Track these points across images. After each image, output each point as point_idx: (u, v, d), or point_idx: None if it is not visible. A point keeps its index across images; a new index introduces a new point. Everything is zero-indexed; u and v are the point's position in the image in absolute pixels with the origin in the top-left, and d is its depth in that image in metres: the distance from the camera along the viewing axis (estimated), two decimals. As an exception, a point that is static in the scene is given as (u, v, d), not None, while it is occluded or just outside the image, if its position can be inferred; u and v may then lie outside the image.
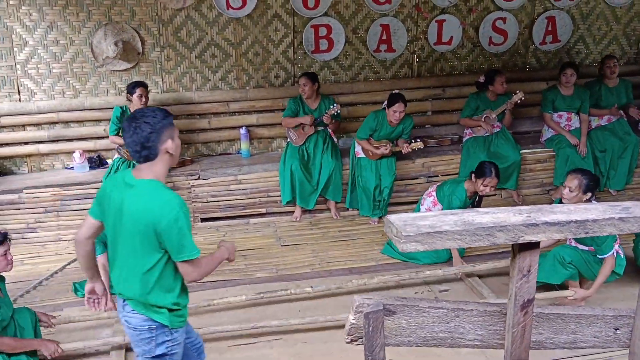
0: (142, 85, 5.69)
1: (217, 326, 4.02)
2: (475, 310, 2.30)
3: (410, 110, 6.27)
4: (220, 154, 6.61)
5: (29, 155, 6.25)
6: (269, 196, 6.08)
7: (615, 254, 4.32)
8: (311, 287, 4.49)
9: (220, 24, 6.26)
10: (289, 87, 6.53)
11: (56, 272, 5.12)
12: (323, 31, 6.43)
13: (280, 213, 6.11)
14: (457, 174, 6.14)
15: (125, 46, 6.01)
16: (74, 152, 6.14)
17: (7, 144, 6.14)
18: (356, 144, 5.99)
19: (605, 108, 6.29)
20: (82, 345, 3.91)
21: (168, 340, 2.75)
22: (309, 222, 6.00)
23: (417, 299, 2.32)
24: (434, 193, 5.22)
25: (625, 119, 6.42)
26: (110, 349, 3.95)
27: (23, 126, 6.16)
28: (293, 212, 6.07)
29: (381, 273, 4.95)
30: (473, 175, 4.91)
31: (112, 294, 4.35)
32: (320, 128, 6.02)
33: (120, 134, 5.69)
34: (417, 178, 6.24)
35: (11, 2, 5.79)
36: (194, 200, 5.95)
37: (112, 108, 6.06)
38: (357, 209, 6.08)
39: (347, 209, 6.14)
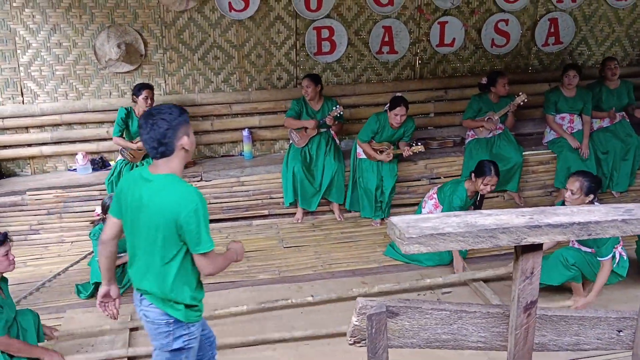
0: (148, 87, 5.70)
1: (220, 338, 4.00)
2: (478, 312, 2.30)
3: (413, 112, 6.27)
4: (222, 156, 6.62)
5: (32, 157, 6.26)
6: (271, 198, 6.09)
7: (617, 256, 4.32)
8: (312, 296, 4.47)
9: (222, 26, 6.27)
10: (292, 89, 6.54)
11: (59, 274, 5.12)
12: (325, 33, 6.43)
13: (283, 215, 6.11)
14: (459, 175, 6.13)
15: (128, 48, 6.03)
16: (76, 154, 6.16)
17: (10, 146, 6.16)
18: (357, 145, 6.00)
19: (606, 110, 6.28)
20: (85, 358, 3.88)
21: (185, 334, 2.79)
22: (311, 224, 6.01)
23: (420, 301, 2.32)
24: (435, 195, 5.22)
25: (628, 120, 6.41)
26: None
27: (26, 128, 6.18)
28: (295, 213, 6.07)
29: (383, 275, 4.95)
30: (473, 174, 4.91)
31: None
32: (322, 130, 6.02)
33: (124, 135, 5.70)
34: (419, 180, 6.24)
35: (14, 4, 5.81)
36: (196, 202, 5.95)
37: (115, 110, 6.07)
38: (358, 212, 6.08)
39: (349, 211, 6.14)
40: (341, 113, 5.99)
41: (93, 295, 4.67)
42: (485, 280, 4.73)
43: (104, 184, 5.75)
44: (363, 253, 5.37)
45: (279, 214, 6.11)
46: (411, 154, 5.73)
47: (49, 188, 5.82)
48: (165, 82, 6.30)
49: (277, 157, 6.44)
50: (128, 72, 6.20)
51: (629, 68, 7.18)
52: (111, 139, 5.99)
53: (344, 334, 3.69)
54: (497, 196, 6.33)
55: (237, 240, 3.04)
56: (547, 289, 4.31)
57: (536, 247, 2.13)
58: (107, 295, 3.05)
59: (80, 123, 6.25)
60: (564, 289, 4.47)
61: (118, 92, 6.25)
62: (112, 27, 6.01)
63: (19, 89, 6.08)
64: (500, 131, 6.19)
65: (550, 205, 4.32)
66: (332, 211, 6.13)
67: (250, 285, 4.85)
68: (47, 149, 6.21)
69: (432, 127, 6.89)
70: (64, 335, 4.05)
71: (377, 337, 2.23)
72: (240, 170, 6.12)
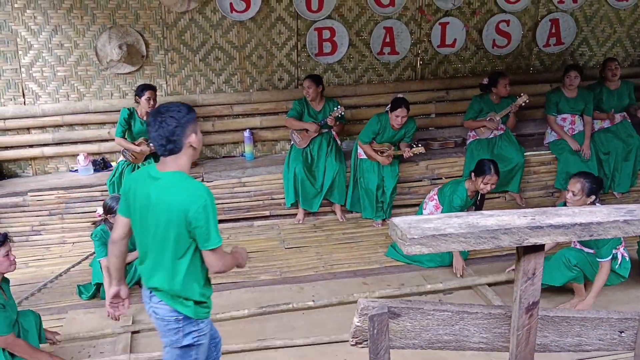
0: (151, 88, 5.70)
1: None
2: (480, 313, 2.30)
3: (414, 113, 6.27)
4: (224, 157, 6.63)
5: (34, 158, 6.27)
6: (272, 199, 6.09)
7: (619, 257, 4.32)
8: (313, 301, 4.46)
9: (224, 27, 6.27)
10: (293, 89, 6.54)
11: (60, 275, 5.13)
12: (326, 34, 6.44)
13: (284, 215, 6.11)
14: (460, 176, 6.13)
15: (130, 49, 6.03)
16: (78, 154, 6.17)
17: (12, 147, 6.17)
18: (358, 146, 6.00)
19: (607, 111, 6.28)
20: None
21: (195, 331, 2.81)
22: (312, 225, 6.01)
23: (421, 302, 2.33)
24: (435, 197, 5.21)
25: (629, 121, 6.41)
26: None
27: (28, 129, 6.18)
28: (296, 214, 6.07)
29: (384, 275, 4.95)
30: (473, 174, 4.90)
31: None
32: (324, 130, 6.02)
33: (126, 136, 5.70)
34: (420, 180, 6.23)
35: (16, 5, 5.82)
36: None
37: (116, 111, 6.08)
38: (359, 212, 6.08)
39: (351, 212, 6.14)
40: (342, 114, 6.00)
41: (94, 296, 4.69)
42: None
43: (105, 184, 5.76)
44: (364, 254, 5.37)
45: (280, 215, 6.11)
46: (412, 155, 5.73)
47: (51, 189, 5.83)
48: (166, 83, 6.31)
49: (278, 158, 6.44)
50: (129, 73, 6.20)
51: (631, 69, 7.18)
52: (113, 139, 6.00)
53: (346, 336, 3.70)
54: (499, 197, 6.32)
55: (241, 247, 3.04)
56: (549, 290, 4.31)
57: (538, 248, 2.13)
58: (117, 295, 3.06)
59: (82, 124, 6.26)
60: (565, 290, 4.47)
61: (119, 93, 6.26)
62: (113, 28, 6.02)
63: (21, 90, 6.08)
64: (502, 132, 6.19)
65: (552, 206, 4.32)
66: (333, 212, 6.13)
67: (251, 286, 4.85)
68: (48, 150, 6.22)
69: (433, 128, 6.89)
70: (66, 336, 4.04)
71: (379, 338, 2.23)
72: (242, 171, 6.12)
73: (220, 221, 5.93)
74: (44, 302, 4.70)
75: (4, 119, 6.06)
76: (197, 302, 2.77)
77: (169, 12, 6.12)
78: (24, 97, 6.10)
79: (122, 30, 6.04)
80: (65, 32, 5.98)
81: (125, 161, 5.73)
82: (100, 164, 6.25)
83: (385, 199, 5.90)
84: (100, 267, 4.42)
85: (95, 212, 5.59)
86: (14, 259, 3.59)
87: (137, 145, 5.69)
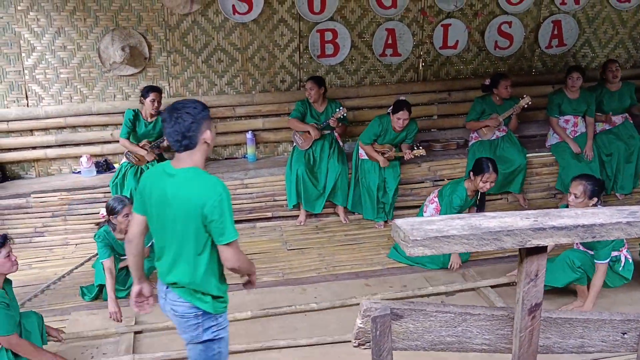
0: (156, 90, 5.71)
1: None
2: (482, 315, 2.30)
3: (416, 114, 6.27)
4: (226, 158, 6.64)
5: (37, 160, 6.28)
6: (275, 200, 6.09)
7: (623, 259, 4.32)
8: (315, 303, 4.46)
9: (226, 28, 6.29)
10: (295, 91, 6.55)
11: (63, 276, 5.13)
12: (329, 36, 6.45)
13: (287, 217, 6.11)
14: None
15: (132, 51, 6.05)
16: (81, 156, 6.18)
17: (15, 149, 6.19)
18: (360, 147, 6.01)
19: (608, 112, 6.27)
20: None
21: (214, 325, 2.85)
22: (315, 226, 6.01)
23: (424, 303, 2.32)
24: (436, 199, 5.21)
25: (631, 122, 6.40)
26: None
27: (31, 131, 6.20)
28: (298, 216, 6.08)
29: (387, 277, 4.95)
30: (471, 173, 4.90)
31: (118, 297, 4.42)
32: (326, 132, 6.03)
33: (130, 137, 5.71)
34: (423, 182, 6.24)
35: (19, 8, 5.84)
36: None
37: (119, 113, 6.12)
38: (361, 213, 6.08)
39: (354, 213, 6.14)
40: (345, 115, 6.01)
41: (97, 297, 4.69)
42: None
43: (108, 186, 5.77)
44: (367, 255, 5.37)
45: (283, 217, 6.12)
46: (412, 157, 5.74)
47: (54, 190, 5.84)
48: (169, 84, 6.32)
49: (280, 160, 6.46)
50: (132, 75, 6.22)
51: (633, 70, 7.17)
52: (116, 141, 6.03)
53: (348, 337, 3.70)
54: (500, 198, 6.32)
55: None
56: (551, 291, 4.31)
57: (540, 250, 2.13)
58: (140, 294, 3.06)
59: (85, 126, 6.27)
60: (567, 291, 4.47)
61: (122, 95, 6.27)
62: (116, 30, 6.04)
63: (24, 92, 6.10)
64: (504, 133, 6.19)
65: (555, 208, 4.32)
66: (335, 214, 6.13)
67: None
68: (51, 152, 6.23)
69: (435, 130, 6.89)
70: (69, 337, 4.05)
71: (382, 339, 2.23)
72: (244, 173, 6.13)
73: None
74: (47, 303, 4.71)
75: (7, 121, 6.08)
76: (214, 297, 2.81)
77: (171, 14, 6.13)
78: (27, 99, 6.12)
79: (125, 32, 6.05)
80: (68, 34, 6.00)
81: (128, 163, 5.74)
82: (103, 166, 6.27)
83: (388, 200, 5.90)
84: (103, 269, 4.43)
85: (98, 213, 5.62)
86: (15, 260, 3.60)
87: (141, 147, 5.70)
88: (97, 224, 5.47)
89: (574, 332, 2.36)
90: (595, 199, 4.22)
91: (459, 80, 6.90)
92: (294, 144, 6.13)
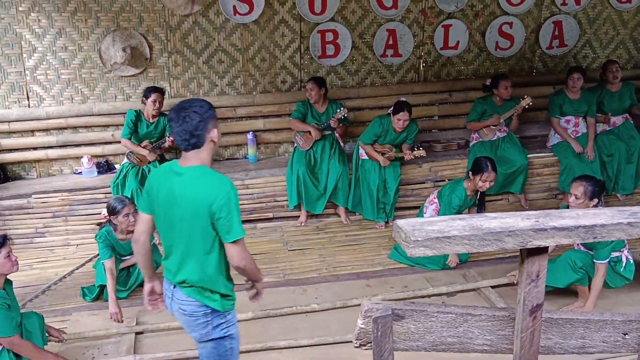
0: (158, 91, 5.72)
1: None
2: (483, 315, 2.30)
3: (417, 115, 6.28)
4: (227, 159, 6.64)
5: (38, 161, 6.29)
6: (275, 201, 6.09)
7: (624, 260, 4.32)
8: (316, 304, 4.46)
9: (227, 29, 6.29)
10: (296, 92, 6.55)
11: (64, 277, 5.14)
12: (330, 36, 6.45)
13: (287, 218, 6.12)
14: (462, 178, 6.15)
15: (133, 52, 6.05)
16: (82, 157, 6.19)
17: (16, 149, 6.19)
18: (360, 147, 6.01)
19: (608, 113, 6.27)
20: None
21: (223, 323, 2.87)
22: (315, 227, 6.01)
23: (425, 304, 2.33)
24: (435, 200, 5.21)
25: (632, 122, 6.40)
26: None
27: (32, 132, 6.21)
28: (299, 216, 6.08)
29: (388, 278, 4.95)
30: (470, 172, 4.90)
31: (118, 298, 4.43)
32: (327, 132, 6.03)
33: (132, 138, 5.72)
34: (423, 182, 6.24)
35: (20, 9, 5.84)
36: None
37: (120, 113, 6.13)
38: (361, 213, 6.09)
39: (355, 213, 6.14)
40: (345, 115, 6.01)
41: (98, 298, 4.69)
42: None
43: (109, 187, 5.77)
44: (368, 256, 5.37)
45: (284, 217, 6.12)
46: (412, 158, 5.74)
47: (55, 191, 5.85)
48: (170, 85, 6.32)
49: (281, 160, 6.46)
50: (133, 75, 6.22)
51: (634, 70, 7.17)
52: (117, 142, 6.04)
53: (349, 337, 3.70)
54: (501, 199, 6.32)
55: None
56: (552, 292, 4.31)
57: (542, 250, 2.13)
58: (152, 292, 3.08)
59: (86, 126, 6.27)
60: (569, 292, 4.46)
61: (123, 95, 6.28)
62: (117, 30, 6.04)
63: (25, 93, 6.11)
64: (505, 134, 6.19)
65: (555, 209, 4.31)
66: (336, 214, 6.13)
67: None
68: (52, 153, 6.24)
69: (436, 130, 6.89)
70: (70, 338, 4.05)
71: (383, 340, 2.23)
72: (245, 173, 6.13)
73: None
74: (48, 304, 4.72)
75: (9, 122, 6.09)
76: (223, 295, 2.84)
77: (172, 15, 6.14)
78: (28, 100, 6.13)
79: (126, 33, 6.06)
80: (70, 35, 6.00)
81: (130, 164, 5.74)
82: (104, 166, 6.27)
83: (388, 200, 5.90)
84: (104, 269, 4.43)
85: (99, 214, 5.64)
86: (15, 260, 3.60)
87: (142, 147, 5.71)
88: (99, 224, 5.47)
89: (575, 333, 2.36)
90: (596, 200, 4.22)
91: (459, 80, 6.90)
92: (295, 144, 6.13)
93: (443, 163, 6.30)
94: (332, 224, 6.06)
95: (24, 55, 5.99)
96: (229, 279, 2.88)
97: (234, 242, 2.70)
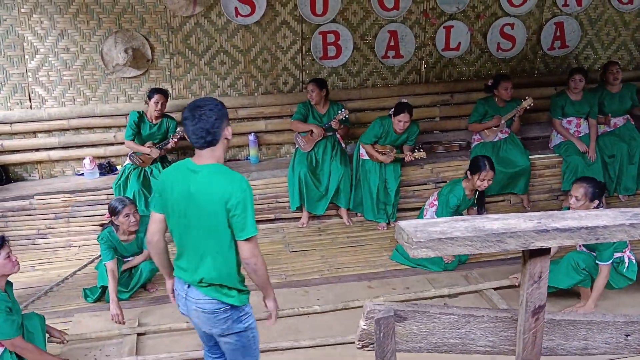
0: (161, 92, 5.72)
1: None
2: (486, 317, 2.30)
3: (418, 116, 6.27)
4: (228, 160, 6.64)
5: (40, 162, 6.30)
6: (277, 202, 6.10)
7: (626, 260, 4.32)
8: (318, 306, 4.47)
9: (229, 31, 6.30)
10: (298, 93, 6.56)
11: (67, 278, 5.14)
12: (331, 38, 6.45)
13: (289, 219, 6.12)
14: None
15: (135, 53, 6.06)
16: (84, 158, 6.20)
17: (18, 151, 6.20)
18: (360, 147, 6.01)
19: (608, 114, 6.26)
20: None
21: (242, 315, 2.92)
22: (317, 228, 6.01)
23: (427, 305, 2.33)
24: (436, 202, 5.20)
25: (633, 123, 6.40)
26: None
27: (34, 133, 6.22)
28: (301, 218, 6.08)
29: (389, 279, 4.95)
30: (468, 172, 4.90)
31: (121, 299, 4.43)
32: (329, 134, 6.04)
33: (135, 139, 5.72)
34: (425, 184, 6.24)
35: (23, 10, 5.85)
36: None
37: (122, 115, 6.14)
38: (362, 214, 6.09)
39: (357, 214, 6.15)
40: (347, 116, 6.00)
41: (100, 298, 4.70)
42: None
43: (111, 188, 5.78)
44: (369, 257, 5.37)
45: (285, 218, 6.12)
46: (413, 159, 5.74)
47: (57, 192, 5.85)
48: (172, 86, 6.33)
49: (283, 162, 6.46)
50: (135, 77, 6.23)
51: (635, 72, 7.17)
52: (119, 143, 6.06)
53: (351, 339, 3.70)
54: (503, 200, 6.32)
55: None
56: (554, 293, 4.30)
57: (544, 252, 2.13)
58: (175, 289, 3.10)
59: (88, 128, 6.28)
60: (571, 293, 4.47)
61: (125, 97, 6.28)
62: (119, 32, 6.05)
63: (27, 94, 6.12)
64: (506, 135, 6.19)
65: (558, 209, 4.31)
66: (338, 215, 6.13)
67: (256, 289, 4.84)
68: (54, 154, 6.24)
69: (438, 131, 6.90)
70: (72, 339, 4.06)
71: (385, 341, 2.23)
72: (247, 175, 6.13)
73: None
74: (50, 305, 4.72)
75: (11, 123, 6.10)
76: (240, 291, 2.88)
77: (174, 17, 6.15)
78: (30, 101, 6.14)
79: (128, 35, 6.07)
80: (72, 37, 6.02)
81: (132, 165, 5.75)
82: (106, 168, 6.28)
83: (389, 201, 5.90)
84: (106, 271, 4.43)
85: (101, 215, 5.65)
86: (16, 260, 3.60)
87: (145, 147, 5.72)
88: (102, 225, 5.49)
89: (578, 334, 2.36)
90: (597, 202, 4.22)
91: (461, 82, 6.90)
92: (297, 145, 6.13)
93: (444, 164, 6.30)
94: (333, 225, 6.06)
95: (26, 56, 6.00)
96: (240, 273, 2.92)
97: (247, 239, 2.74)
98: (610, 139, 6.29)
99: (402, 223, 2.09)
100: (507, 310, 2.36)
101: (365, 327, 2.25)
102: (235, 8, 6.16)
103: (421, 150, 5.77)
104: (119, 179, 5.72)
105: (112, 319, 4.26)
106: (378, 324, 2.21)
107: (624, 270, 4.30)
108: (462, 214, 5.12)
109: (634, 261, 4.36)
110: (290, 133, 6.37)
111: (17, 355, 3.53)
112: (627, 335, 2.40)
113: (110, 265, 4.42)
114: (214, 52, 6.33)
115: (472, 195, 5.02)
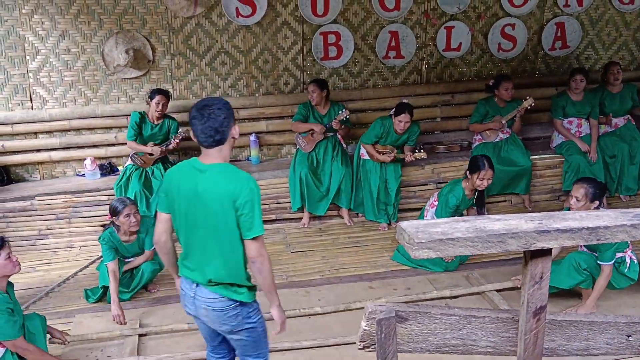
0: (163, 93, 5.73)
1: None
2: (487, 317, 2.30)
3: (419, 117, 6.27)
4: (230, 161, 6.61)
5: (41, 163, 6.30)
6: (278, 202, 6.10)
7: (628, 260, 4.32)
8: (319, 307, 4.47)
9: (230, 31, 6.30)
10: (298, 94, 6.56)
11: (68, 279, 5.15)
12: (332, 38, 6.46)
13: (290, 219, 6.12)
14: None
15: (136, 54, 6.07)
16: (85, 159, 6.20)
17: (19, 152, 6.20)
18: (361, 147, 6.02)
19: (609, 114, 6.26)
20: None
21: (251, 311, 2.94)
22: (318, 229, 6.01)
23: (429, 306, 2.33)
24: (436, 203, 5.20)
25: (634, 124, 6.39)
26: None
27: (35, 134, 6.22)
28: (302, 218, 6.08)
29: (391, 280, 4.95)
30: (467, 172, 4.90)
31: (122, 299, 4.43)
32: (330, 134, 6.04)
33: (137, 140, 5.73)
34: (426, 184, 6.24)
35: (24, 11, 5.86)
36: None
37: (123, 115, 6.14)
38: (362, 214, 6.09)
39: (358, 215, 6.15)
40: (347, 117, 6.01)
41: (101, 299, 4.70)
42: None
43: (112, 189, 5.78)
44: (370, 258, 5.37)
45: (286, 219, 6.12)
46: (413, 159, 5.74)
47: (58, 193, 5.86)
48: (173, 87, 6.33)
49: (284, 162, 6.46)
50: (136, 77, 6.23)
51: (636, 72, 7.16)
52: (120, 144, 6.07)
53: (352, 339, 3.70)
54: (504, 200, 6.32)
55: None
56: (555, 294, 4.30)
57: (545, 252, 2.13)
58: None
59: (89, 128, 6.29)
60: (572, 294, 4.46)
61: (126, 97, 6.29)
62: (120, 33, 6.05)
63: (28, 95, 6.12)
64: (507, 135, 6.19)
65: (559, 210, 4.32)
66: (339, 216, 6.13)
67: (257, 290, 4.84)
68: (55, 155, 6.25)
69: (439, 132, 6.90)
70: (73, 340, 4.06)
71: (387, 342, 2.23)
72: (248, 175, 6.12)
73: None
74: (51, 305, 4.73)
75: (12, 124, 6.10)
76: (248, 288, 2.90)
77: (175, 17, 6.15)
78: (31, 102, 6.14)
79: (129, 35, 6.07)
80: (73, 37, 6.02)
81: (133, 165, 5.75)
82: (107, 168, 6.28)
83: (390, 201, 5.90)
84: (107, 271, 4.43)
85: (102, 216, 5.65)
86: (17, 261, 3.60)
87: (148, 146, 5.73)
88: (103, 225, 5.49)
89: (579, 335, 2.36)
90: (597, 202, 4.22)
91: (462, 82, 6.90)
92: (297, 146, 6.13)
93: (445, 165, 6.29)
94: (334, 225, 6.06)
95: (27, 57, 6.01)
96: (247, 271, 2.93)
97: (254, 238, 2.76)
98: (611, 139, 6.28)
99: (404, 224, 2.09)
100: (509, 311, 2.36)
101: (366, 327, 2.26)
102: (236, 9, 6.16)
103: (422, 150, 5.77)
104: (120, 180, 5.72)
105: (114, 320, 4.26)
106: (379, 325, 2.21)
107: (626, 270, 4.30)
108: (462, 214, 5.12)
109: (636, 261, 4.36)
110: (291, 134, 6.37)
111: (19, 356, 3.53)
112: (628, 336, 2.40)
113: (112, 266, 4.42)
114: (215, 53, 6.34)
115: (471, 195, 5.02)
